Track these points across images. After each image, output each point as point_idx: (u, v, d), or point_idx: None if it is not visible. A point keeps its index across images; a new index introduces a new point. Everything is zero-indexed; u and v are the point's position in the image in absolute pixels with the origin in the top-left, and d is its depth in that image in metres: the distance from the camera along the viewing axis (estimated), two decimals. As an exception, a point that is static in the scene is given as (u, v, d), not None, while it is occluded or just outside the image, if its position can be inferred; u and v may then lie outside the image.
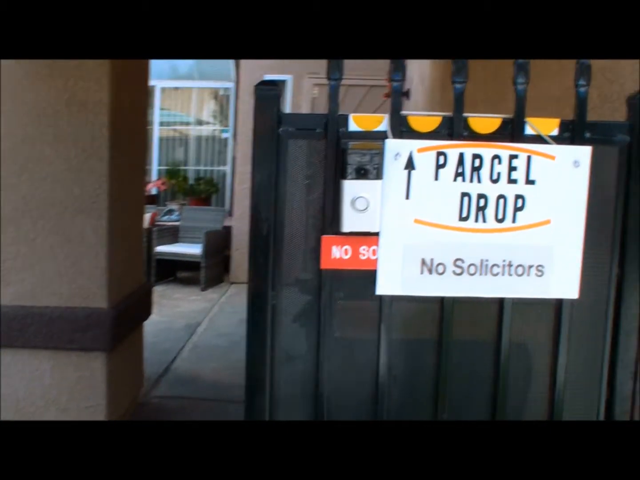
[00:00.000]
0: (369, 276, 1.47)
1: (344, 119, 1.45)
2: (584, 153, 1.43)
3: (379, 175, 1.39)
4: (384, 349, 1.48)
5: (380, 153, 1.39)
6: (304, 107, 7.93)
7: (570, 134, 1.45)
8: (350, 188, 1.39)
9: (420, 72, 6.09)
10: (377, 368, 1.49)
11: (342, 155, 1.39)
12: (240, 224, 7.26)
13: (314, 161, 1.46)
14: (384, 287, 1.47)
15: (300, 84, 7.73)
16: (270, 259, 1.47)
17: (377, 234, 1.45)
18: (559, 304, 1.48)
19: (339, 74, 1.44)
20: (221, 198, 9.56)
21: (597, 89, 1.89)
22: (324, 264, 1.46)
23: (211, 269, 7.09)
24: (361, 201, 1.40)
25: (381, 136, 1.44)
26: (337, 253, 1.46)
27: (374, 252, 1.46)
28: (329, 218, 1.45)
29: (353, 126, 1.45)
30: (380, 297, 1.47)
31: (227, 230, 7.90)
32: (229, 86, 9.87)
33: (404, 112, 1.44)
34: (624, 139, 1.45)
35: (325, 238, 1.46)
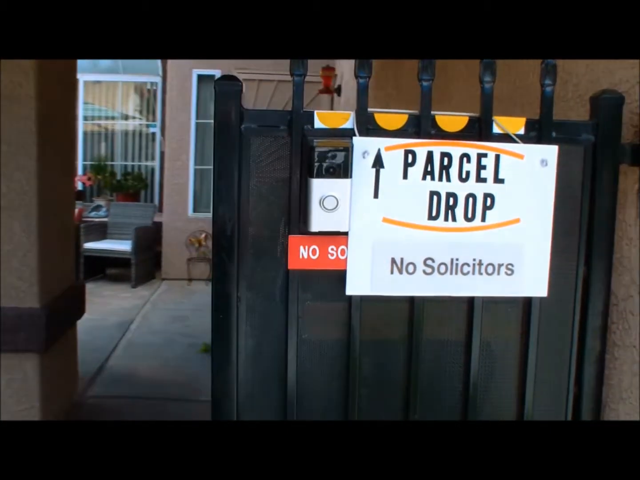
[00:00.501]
0: (338, 277, 1.44)
1: (309, 116, 1.41)
2: (551, 152, 1.43)
3: (348, 174, 1.36)
4: (353, 350, 1.45)
5: (349, 151, 1.35)
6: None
7: (536, 133, 1.45)
8: (319, 187, 1.35)
9: (350, 67, 6.09)
10: (347, 369, 1.46)
11: (311, 154, 1.35)
12: (170, 220, 7.13)
13: (278, 159, 1.42)
14: (354, 287, 1.43)
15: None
16: (235, 259, 1.42)
17: (345, 233, 1.41)
18: (528, 302, 1.48)
19: (302, 70, 1.39)
20: (150, 194, 9.37)
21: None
22: (292, 265, 1.42)
23: (142, 266, 6.95)
24: (330, 200, 1.36)
25: (348, 134, 1.41)
26: (304, 253, 1.42)
27: (343, 252, 1.43)
28: (295, 217, 1.41)
29: (318, 123, 1.41)
30: (350, 297, 1.44)
31: (157, 227, 7.76)
32: (156, 80, 9.67)
33: (370, 110, 1.41)
34: (589, 138, 1.46)
35: (292, 238, 1.42)
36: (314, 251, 1.43)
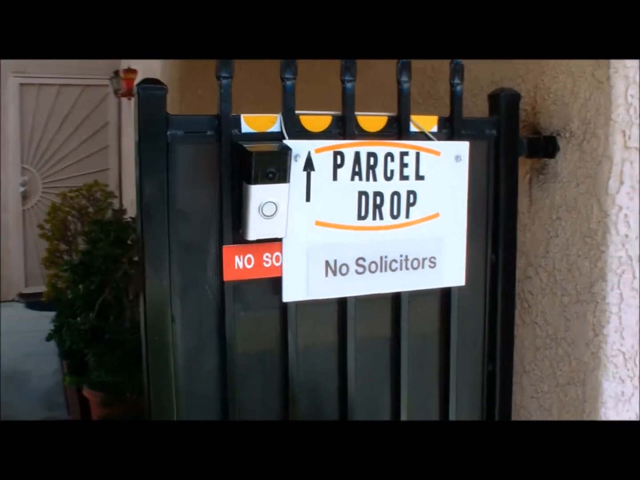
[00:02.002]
0: (272, 284, 1.41)
1: (235, 120, 1.35)
2: (463, 148, 1.50)
3: (286, 178, 1.32)
4: (291, 358, 1.42)
5: (288, 155, 1.32)
6: (10, 109, 7.27)
7: (447, 131, 1.51)
8: (258, 193, 1.30)
9: (144, 67, 5.91)
10: (287, 378, 1.43)
11: (247, 160, 1.29)
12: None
13: (207, 167, 1.35)
14: (290, 293, 1.41)
15: (5, 83, 7.08)
16: (167, 277, 1.32)
17: (280, 239, 1.38)
18: (447, 292, 1.55)
19: (228, 72, 1.33)
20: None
21: (419, 87, 2.00)
22: (227, 276, 1.36)
23: None
24: (269, 206, 1.32)
25: (276, 137, 1.37)
26: (240, 263, 1.37)
27: (278, 259, 1.39)
28: (228, 227, 1.35)
29: (246, 128, 1.36)
30: (286, 304, 1.41)
31: None
32: None
33: (297, 112, 1.39)
34: (492, 134, 1.55)
35: (226, 248, 1.36)
36: (249, 260, 1.38)
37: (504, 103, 1.55)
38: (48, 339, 4.18)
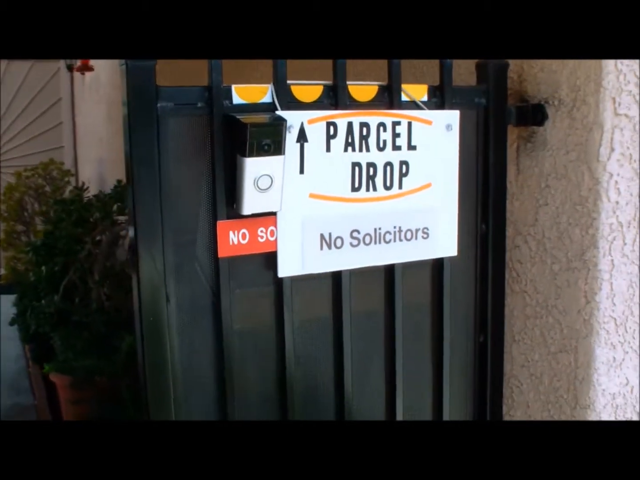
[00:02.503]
0: (266, 260, 1.38)
1: (227, 92, 1.31)
2: (454, 117, 1.49)
3: (282, 150, 1.29)
4: (287, 334, 1.40)
5: (284, 126, 1.29)
6: None
7: (437, 100, 1.49)
8: (253, 166, 1.27)
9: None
10: (283, 354, 1.41)
11: (242, 132, 1.26)
12: None
13: (199, 140, 1.31)
14: (285, 268, 1.38)
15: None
16: (161, 255, 1.29)
17: (274, 213, 1.35)
18: (439, 263, 1.54)
19: (217, 41, 1.29)
20: None
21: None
22: (222, 252, 1.33)
23: None
24: (265, 179, 1.29)
25: (268, 108, 1.34)
26: (234, 239, 1.34)
27: (272, 233, 1.36)
28: (222, 202, 1.32)
29: (237, 99, 1.32)
30: (281, 280, 1.38)
31: None
32: None
33: (288, 82, 1.35)
34: (481, 102, 1.54)
35: (221, 224, 1.32)
36: (243, 235, 1.34)
37: (493, 71, 1.53)
38: (12, 323, 4.08)
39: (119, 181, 4.02)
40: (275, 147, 1.28)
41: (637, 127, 1.47)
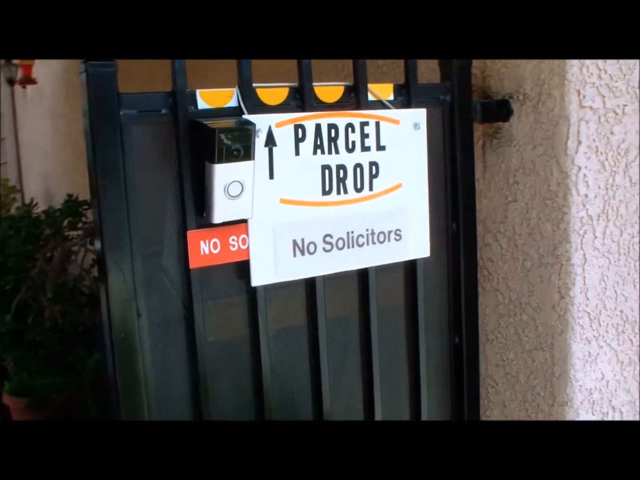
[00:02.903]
0: (238, 269, 1.34)
1: (191, 97, 1.27)
2: (421, 115, 1.47)
3: (251, 155, 1.25)
4: (262, 344, 1.36)
5: (253, 131, 1.25)
6: None
7: (403, 98, 1.47)
8: (223, 173, 1.23)
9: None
10: (259, 365, 1.37)
11: (210, 137, 1.21)
12: None
13: (164, 148, 1.26)
14: (259, 277, 1.34)
15: None
16: (130, 268, 1.23)
17: (245, 221, 1.31)
18: (412, 265, 1.52)
19: (179, 45, 1.25)
20: None
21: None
22: (193, 263, 1.28)
23: None
24: (235, 186, 1.25)
25: (234, 113, 1.30)
26: (205, 249, 1.29)
27: (244, 241, 1.32)
28: (191, 211, 1.27)
29: (202, 104, 1.28)
30: (254, 289, 1.34)
31: None
32: None
33: (254, 85, 1.32)
34: (446, 100, 1.53)
35: (191, 234, 1.28)
36: (215, 245, 1.30)
37: (458, 68, 1.52)
38: (-38, 345, 3.93)
39: (69, 195, 3.91)
40: (245, 152, 1.24)
41: (602, 118, 1.48)
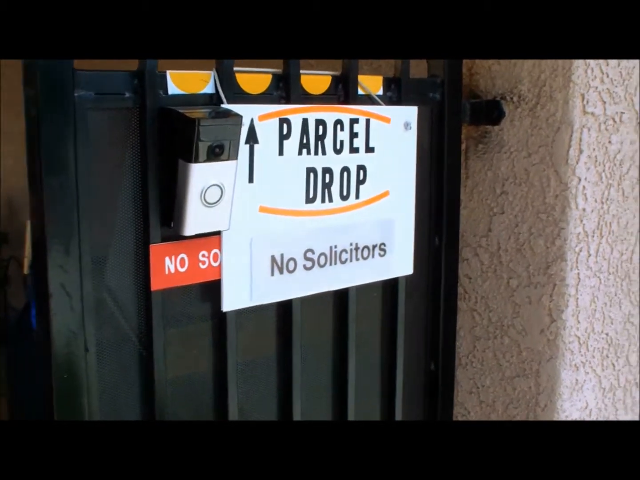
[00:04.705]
0: (206, 290, 1.10)
1: (160, 79, 1.02)
2: (412, 114, 1.28)
3: (236, 154, 1.02)
4: (231, 380, 1.13)
5: (240, 124, 1.02)
6: None
7: (392, 94, 1.28)
8: (201, 174, 0.99)
9: None
10: (225, 403, 1.14)
11: (188, 130, 0.97)
12: None
13: (128, 139, 1.01)
14: (231, 300, 1.11)
15: None
16: (79, 289, 0.97)
17: (218, 232, 1.08)
18: (393, 283, 1.33)
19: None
20: None
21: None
22: (156, 284, 1.04)
23: None
24: (214, 191, 1.01)
25: (210, 101, 1.06)
26: (171, 266, 1.05)
27: (216, 257, 1.09)
28: (155, 220, 1.02)
29: (173, 88, 1.03)
30: (224, 314, 1.11)
31: None
32: None
33: (236, 69, 1.08)
34: (435, 97, 1.35)
35: (154, 248, 1.03)
36: (182, 262, 1.06)
37: (447, 63, 1.35)
38: None
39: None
40: (230, 150, 1.01)
41: (602, 126, 1.35)
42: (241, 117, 1.02)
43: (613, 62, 1.33)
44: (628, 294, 1.47)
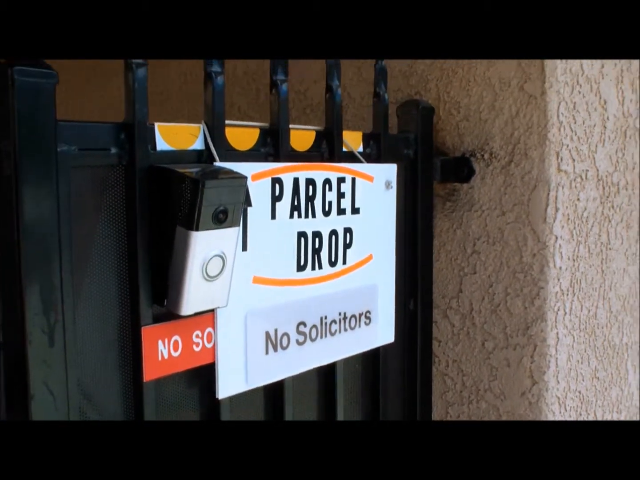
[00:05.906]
0: (198, 375, 0.96)
1: (150, 132, 0.88)
2: (392, 172, 1.21)
3: (239, 220, 0.90)
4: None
5: (246, 186, 0.90)
6: None
7: (371, 150, 1.20)
8: (203, 244, 0.86)
9: None
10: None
11: (190, 193, 0.84)
12: None
13: (114, 202, 0.86)
14: (227, 386, 0.97)
15: None
16: (64, 383, 0.81)
17: (212, 310, 0.94)
18: (375, 354, 1.23)
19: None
20: None
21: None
22: (150, 374, 0.88)
23: None
24: (216, 262, 0.88)
25: (198, 158, 0.94)
26: (164, 351, 0.90)
27: (210, 338, 0.95)
28: (147, 296, 0.88)
29: (162, 143, 0.90)
30: (218, 402, 0.97)
31: None
32: None
33: (227, 122, 0.96)
34: (409, 154, 1.28)
35: (147, 331, 0.88)
36: (175, 345, 0.91)
37: (423, 117, 1.29)
38: None
39: None
40: (234, 216, 0.88)
41: (572, 184, 1.33)
42: (245, 178, 0.90)
43: (579, 119, 1.33)
44: (594, 349, 1.44)
